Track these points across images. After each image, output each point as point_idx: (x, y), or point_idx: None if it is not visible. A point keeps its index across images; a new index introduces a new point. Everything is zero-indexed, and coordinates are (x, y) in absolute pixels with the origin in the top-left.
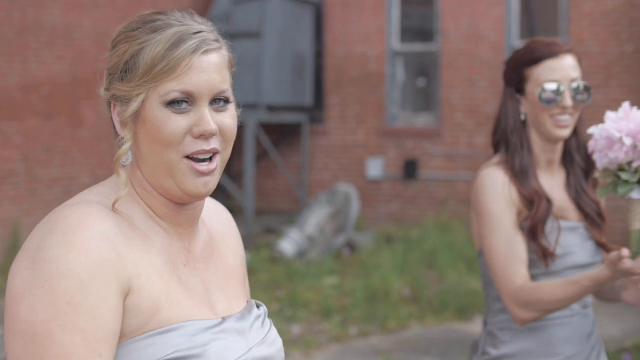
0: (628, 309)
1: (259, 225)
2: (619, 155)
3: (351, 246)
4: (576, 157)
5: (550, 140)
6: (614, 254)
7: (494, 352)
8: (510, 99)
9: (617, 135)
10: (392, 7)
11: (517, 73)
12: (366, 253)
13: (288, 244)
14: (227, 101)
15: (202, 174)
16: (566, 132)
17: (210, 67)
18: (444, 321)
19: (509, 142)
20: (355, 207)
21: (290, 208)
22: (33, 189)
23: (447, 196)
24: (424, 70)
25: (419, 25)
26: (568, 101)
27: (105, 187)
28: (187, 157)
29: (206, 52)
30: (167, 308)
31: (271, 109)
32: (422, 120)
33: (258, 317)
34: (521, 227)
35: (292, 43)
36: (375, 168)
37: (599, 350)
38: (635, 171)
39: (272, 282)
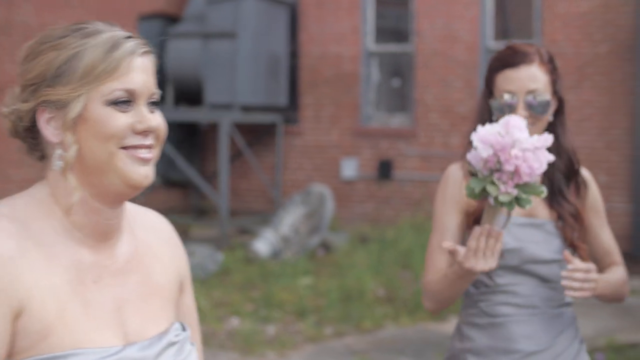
0: (601, 309)
1: (233, 225)
2: (476, 162)
3: (326, 246)
4: (556, 161)
5: None
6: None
7: (458, 345)
8: (485, 100)
9: (476, 145)
10: (367, 7)
11: (489, 76)
12: (341, 253)
13: (262, 244)
14: (155, 104)
15: (143, 160)
16: None
17: (146, 69)
18: (419, 321)
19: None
20: (329, 207)
21: (264, 208)
22: (6, 189)
23: (421, 196)
24: (398, 70)
25: (394, 25)
26: (521, 113)
27: (20, 199)
28: (125, 148)
29: (142, 54)
30: (60, 332)
31: (245, 109)
32: (397, 121)
33: (171, 343)
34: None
35: (266, 43)
36: (349, 168)
37: (578, 350)
38: (490, 181)
39: (246, 282)
